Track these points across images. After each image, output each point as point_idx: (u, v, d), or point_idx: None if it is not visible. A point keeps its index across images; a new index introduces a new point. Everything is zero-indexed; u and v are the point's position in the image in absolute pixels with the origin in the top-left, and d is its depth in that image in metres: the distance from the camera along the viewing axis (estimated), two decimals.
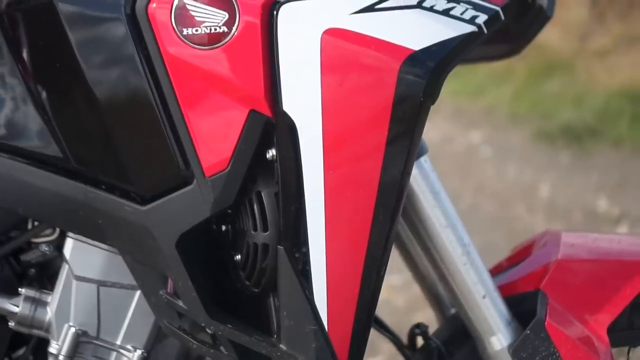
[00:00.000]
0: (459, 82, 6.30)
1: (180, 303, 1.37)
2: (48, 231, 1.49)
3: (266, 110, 1.30)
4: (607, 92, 5.85)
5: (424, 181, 1.51)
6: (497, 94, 6.15)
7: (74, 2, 1.33)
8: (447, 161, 5.31)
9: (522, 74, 6.28)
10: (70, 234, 1.45)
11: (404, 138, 1.32)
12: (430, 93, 1.32)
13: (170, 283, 1.40)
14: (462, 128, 5.88)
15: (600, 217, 4.49)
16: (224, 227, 1.38)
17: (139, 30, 1.30)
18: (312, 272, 1.33)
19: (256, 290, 1.38)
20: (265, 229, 1.35)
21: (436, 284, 1.72)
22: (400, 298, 3.62)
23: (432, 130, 5.62)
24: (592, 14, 6.57)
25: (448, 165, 5.25)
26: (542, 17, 1.58)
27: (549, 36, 5.94)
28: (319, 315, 1.34)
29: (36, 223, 1.49)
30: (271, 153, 1.33)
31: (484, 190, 4.95)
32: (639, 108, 5.63)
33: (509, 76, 6.28)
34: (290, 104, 1.29)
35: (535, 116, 5.85)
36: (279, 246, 1.34)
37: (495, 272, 1.69)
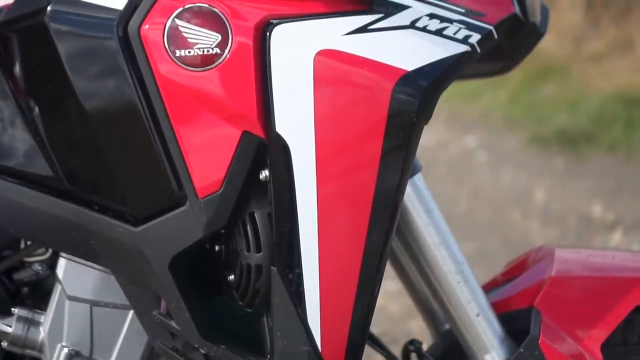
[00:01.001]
0: (454, 86, 6.27)
1: (174, 324, 1.37)
2: (41, 250, 1.48)
3: (259, 132, 1.30)
4: (601, 97, 5.86)
5: (417, 199, 1.51)
6: (492, 98, 6.16)
7: (66, 22, 1.32)
8: (442, 166, 5.32)
9: (517, 78, 6.29)
10: (63, 253, 1.45)
11: (397, 158, 1.32)
12: (424, 113, 1.32)
13: (163, 303, 1.39)
14: (458, 132, 5.88)
15: (595, 223, 4.49)
16: (217, 247, 1.38)
17: (131, 51, 1.30)
18: (305, 293, 1.33)
19: (249, 310, 1.38)
20: (258, 250, 1.35)
21: (430, 299, 1.72)
22: (396, 305, 3.62)
23: (428, 135, 5.61)
24: (587, 18, 6.57)
25: (443, 170, 5.25)
26: (535, 34, 1.58)
27: (544, 40, 5.94)
28: (312, 336, 1.34)
29: (29, 242, 1.49)
30: (264, 174, 1.32)
31: (479, 196, 4.95)
32: (634, 113, 5.64)
33: (504, 81, 6.28)
34: (283, 126, 1.29)
35: (530, 121, 5.86)
36: (272, 267, 1.33)
37: (488, 288, 1.69)
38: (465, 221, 4.60)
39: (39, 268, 1.48)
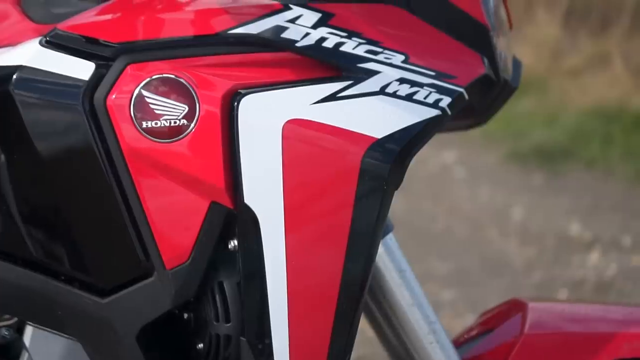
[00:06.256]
0: None
1: None
2: (7, 315, 1.46)
3: (227, 202, 1.29)
4: (579, 112, 5.87)
5: (389, 260, 1.49)
6: None
7: (31, 91, 1.31)
8: (421, 182, 5.31)
9: None
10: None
11: (367, 225, 1.31)
12: (394, 179, 1.32)
13: None
14: (436, 148, 5.87)
15: (572, 241, 4.50)
16: (186, 315, 1.37)
17: (97, 121, 1.28)
18: None
19: None
20: (227, 320, 1.33)
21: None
22: None
23: None
24: (564, 33, 6.58)
25: (422, 186, 5.25)
26: (507, 89, 1.57)
27: (522, 55, 5.93)
28: None
29: None
30: (233, 243, 1.32)
31: (457, 212, 4.95)
32: (611, 128, 5.65)
33: None
34: (251, 196, 1.28)
35: (508, 136, 5.85)
36: (241, 337, 1.32)
37: (461, 342, 1.68)
38: (443, 239, 4.60)
39: (6, 333, 1.46)
